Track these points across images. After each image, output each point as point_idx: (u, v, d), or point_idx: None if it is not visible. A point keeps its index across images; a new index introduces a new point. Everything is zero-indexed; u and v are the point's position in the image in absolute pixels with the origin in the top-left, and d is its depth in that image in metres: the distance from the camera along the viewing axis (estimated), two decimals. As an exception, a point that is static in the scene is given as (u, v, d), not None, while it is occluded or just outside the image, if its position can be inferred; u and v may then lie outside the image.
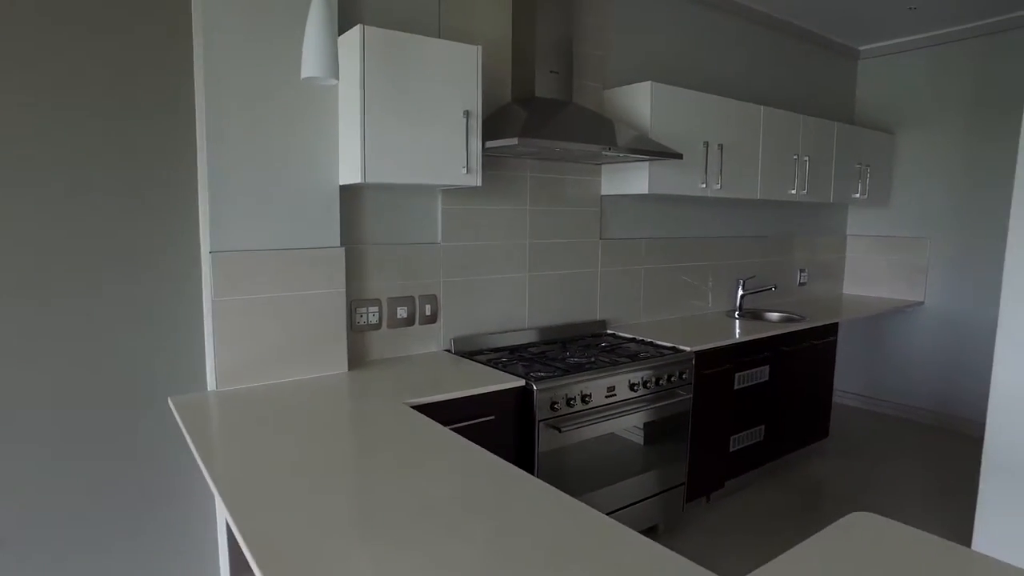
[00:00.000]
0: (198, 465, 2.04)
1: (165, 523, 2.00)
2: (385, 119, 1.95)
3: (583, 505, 1.17)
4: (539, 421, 2.11)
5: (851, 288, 4.64)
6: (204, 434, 1.57)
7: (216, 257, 1.86)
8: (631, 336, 2.91)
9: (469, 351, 2.54)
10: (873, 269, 4.52)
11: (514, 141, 2.08)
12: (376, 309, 2.33)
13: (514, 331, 2.72)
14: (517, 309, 2.76)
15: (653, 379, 2.47)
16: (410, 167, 2.03)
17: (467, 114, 2.13)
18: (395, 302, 2.38)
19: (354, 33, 1.90)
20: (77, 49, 1.71)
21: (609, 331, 3.05)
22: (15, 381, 1.70)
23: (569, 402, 2.19)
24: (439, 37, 2.29)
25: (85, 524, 1.85)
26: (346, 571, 0.96)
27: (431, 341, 2.51)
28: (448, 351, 2.54)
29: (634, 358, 2.47)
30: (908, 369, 4.33)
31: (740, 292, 3.68)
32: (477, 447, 1.47)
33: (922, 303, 4.26)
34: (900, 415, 4.38)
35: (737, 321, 3.38)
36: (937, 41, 4.04)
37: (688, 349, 2.65)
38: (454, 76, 2.09)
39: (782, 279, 4.11)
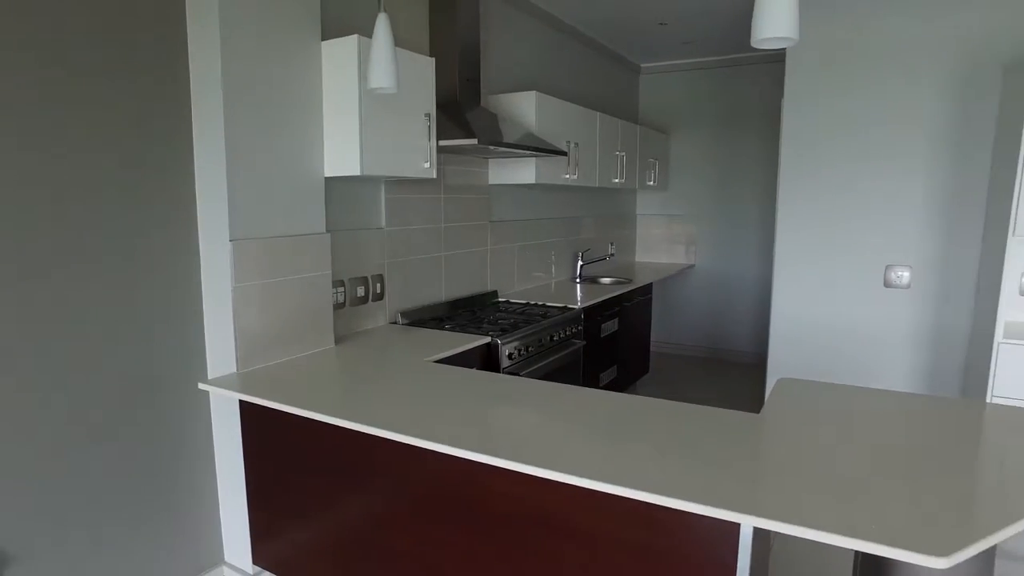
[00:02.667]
0: (199, 449, 2.18)
1: (172, 506, 2.10)
2: (374, 120, 2.28)
3: (603, 392, 1.79)
4: (503, 369, 2.64)
5: (642, 257, 5.89)
6: (282, 393, 1.81)
7: (236, 245, 2.02)
8: (524, 301, 3.55)
9: (413, 322, 2.94)
10: (657, 240, 5.81)
11: (474, 141, 2.56)
12: (342, 289, 2.61)
13: (436, 303, 3.17)
14: (437, 283, 3.21)
15: (561, 331, 3.15)
16: (392, 162, 2.38)
17: (428, 116, 2.53)
18: (354, 282, 2.68)
19: (351, 42, 2.19)
20: (78, 64, 1.75)
21: (501, 299, 3.65)
22: (17, 375, 1.70)
23: (520, 352, 2.76)
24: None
25: (96, 507, 1.91)
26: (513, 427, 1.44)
27: (380, 316, 2.84)
28: (395, 323, 2.90)
29: (544, 316, 3.12)
30: (686, 316, 5.71)
31: (580, 263, 4.55)
32: (518, 377, 1.98)
33: (693, 266, 5.65)
34: (685, 353, 5.75)
35: (580, 285, 4.24)
36: (698, 66, 5.38)
37: (576, 307, 3.39)
38: (416, 83, 2.48)
39: (600, 251, 5.11)
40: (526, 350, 2.82)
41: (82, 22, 1.74)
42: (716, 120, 5.41)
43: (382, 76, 1.85)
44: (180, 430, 2.09)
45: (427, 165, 2.55)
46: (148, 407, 1.99)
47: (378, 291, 2.81)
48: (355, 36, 2.18)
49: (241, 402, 2.10)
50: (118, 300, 1.87)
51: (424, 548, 1.76)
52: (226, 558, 2.30)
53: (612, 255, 4.98)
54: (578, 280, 4.50)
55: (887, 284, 3.40)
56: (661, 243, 5.81)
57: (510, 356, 2.70)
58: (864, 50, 3.27)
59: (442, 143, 2.63)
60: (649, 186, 5.16)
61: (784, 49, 3.61)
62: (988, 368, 2.76)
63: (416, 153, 2.50)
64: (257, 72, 2.04)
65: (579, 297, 3.69)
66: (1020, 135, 2.59)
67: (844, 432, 1.57)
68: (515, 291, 3.90)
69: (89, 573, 1.88)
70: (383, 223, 2.83)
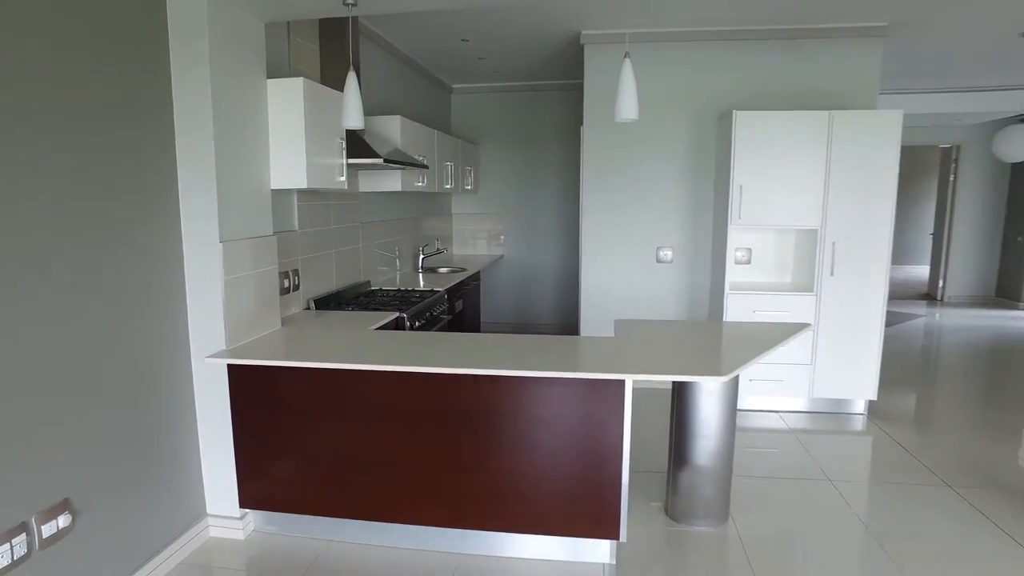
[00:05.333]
0: (182, 419, 2.72)
1: (158, 470, 2.62)
2: (313, 143, 2.98)
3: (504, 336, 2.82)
4: (410, 336, 3.49)
5: (460, 250, 6.96)
6: (271, 355, 2.49)
7: (225, 245, 2.60)
8: (394, 288, 4.38)
9: (321, 307, 3.62)
10: (472, 236, 6.93)
11: (379, 160, 3.35)
12: (279, 281, 3.21)
13: (331, 292, 3.87)
14: (331, 275, 3.90)
15: (436, 308, 4.06)
16: (324, 176, 3.09)
17: (342, 140, 3.27)
18: (281, 276, 3.30)
19: (298, 83, 2.86)
20: (69, 93, 2.25)
21: (374, 287, 4.42)
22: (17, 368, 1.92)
23: (417, 323, 3.62)
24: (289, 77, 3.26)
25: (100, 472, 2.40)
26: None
27: (297, 303, 3.48)
28: (308, 309, 3.55)
29: (421, 298, 4.00)
30: (501, 297, 6.93)
31: (422, 256, 5.46)
32: (448, 333, 2.89)
33: (503, 256, 6.89)
34: (503, 326, 6.96)
35: (424, 275, 5.16)
36: (504, 89, 6.60)
37: (441, 290, 4.32)
38: (334, 114, 3.20)
39: (427, 247, 6.06)
40: (419, 322, 3.69)
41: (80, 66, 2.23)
42: (520, 133, 6.71)
43: (354, 119, 2.61)
44: (165, 404, 2.55)
45: (342, 178, 3.29)
46: (136, 385, 2.38)
47: (296, 283, 3.44)
48: (301, 79, 2.86)
49: (230, 368, 2.66)
50: (112, 294, 2.26)
51: (398, 451, 2.59)
52: (208, 511, 2.82)
53: (446, 249, 5.96)
54: (421, 271, 5.40)
55: (658, 261, 4.91)
56: (475, 238, 6.95)
57: (411, 326, 3.55)
58: (642, 93, 4.69)
59: (351, 161, 3.37)
60: (467, 190, 6.24)
61: (581, 81, 4.92)
62: (721, 308, 4.34)
63: (335, 169, 3.23)
64: (230, 106, 2.62)
65: (432, 284, 4.62)
66: (728, 159, 4.18)
67: (659, 336, 2.79)
68: (380, 280, 4.69)
69: (78, 534, 2.15)
70: (296, 226, 3.47)
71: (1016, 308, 8.41)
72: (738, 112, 4.12)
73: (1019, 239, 8.45)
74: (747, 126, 4.12)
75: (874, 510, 3.10)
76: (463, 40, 4.76)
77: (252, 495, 2.78)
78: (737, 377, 2.84)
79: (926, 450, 3.80)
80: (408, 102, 5.41)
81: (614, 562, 2.61)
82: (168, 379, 2.56)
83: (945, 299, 8.99)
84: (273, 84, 2.88)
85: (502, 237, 6.92)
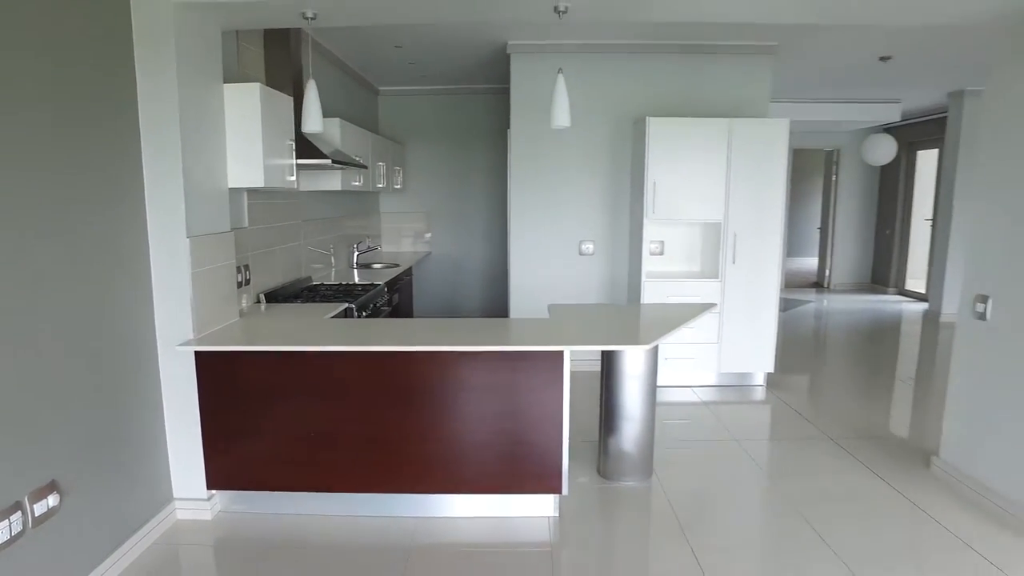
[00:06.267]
0: (148, 407, 2.88)
1: (125, 457, 2.77)
2: (268, 145, 3.18)
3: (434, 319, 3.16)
4: (360, 326, 3.74)
5: (388, 247, 7.18)
6: (239, 341, 2.71)
7: (192, 240, 2.78)
8: (337, 282, 4.59)
9: (271, 300, 3.80)
10: (400, 234, 7.17)
11: (328, 161, 3.58)
12: (236, 275, 3.39)
13: (278, 286, 4.05)
14: (277, 271, 4.08)
15: (378, 300, 4.31)
16: (277, 176, 3.30)
17: (292, 142, 3.48)
18: (236, 271, 3.47)
19: (255, 88, 3.06)
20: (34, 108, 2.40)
21: (316, 282, 4.62)
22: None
23: (364, 314, 3.87)
24: (237, 82, 3.42)
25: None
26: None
27: (248, 298, 3.65)
28: (259, 303, 3.73)
29: (365, 290, 4.25)
30: (429, 291, 7.21)
31: (356, 253, 5.67)
32: (395, 319, 3.18)
33: (431, 253, 7.17)
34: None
35: (359, 271, 5.39)
36: (431, 92, 6.88)
37: (382, 283, 4.57)
38: (285, 117, 3.41)
39: (363, 244, 6.26)
40: (365, 312, 3.94)
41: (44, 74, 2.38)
42: (447, 135, 7.01)
43: (315, 123, 2.85)
44: (132, 393, 2.68)
45: (292, 178, 3.50)
46: (103, 375, 2.51)
47: (248, 278, 3.62)
48: (257, 85, 3.06)
49: (199, 355, 2.84)
50: (82, 288, 2.46)
51: (360, 426, 2.86)
52: (175, 494, 2.97)
53: (379, 246, 6.18)
54: (355, 267, 5.61)
55: (580, 253, 5.35)
56: (403, 236, 7.20)
57: (358, 316, 3.80)
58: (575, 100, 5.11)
59: (301, 161, 3.58)
60: (396, 189, 6.48)
61: (507, 86, 5.29)
62: (639, 295, 4.83)
63: (286, 170, 3.43)
64: (194, 109, 2.80)
65: (368, 279, 4.86)
66: (643, 160, 4.67)
67: (588, 316, 3.20)
68: (321, 276, 4.87)
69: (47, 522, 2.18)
70: (247, 223, 3.64)
71: (886, 292, 9.54)
72: (651, 119, 4.62)
73: (888, 232, 9.59)
74: (659, 131, 4.63)
75: (773, 462, 3.64)
76: (397, 46, 5.02)
77: (220, 476, 2.96)
78: (656, 349, 3.29)
79: (815, 412, 4.43)
80: (341, 104, 5.60)
81: (557, 514, 2.99)
82: (134, 369, 2.71)
83: (831, 286, 10.05)
84: (230, 88, 3.07)
85: (428, 235, 7.20)
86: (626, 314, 3.42)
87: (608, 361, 3.34)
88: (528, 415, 2.85)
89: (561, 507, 3.04)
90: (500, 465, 2.89)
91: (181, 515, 2.98)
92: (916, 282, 9.13)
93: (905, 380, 5.31)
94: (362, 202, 6.37)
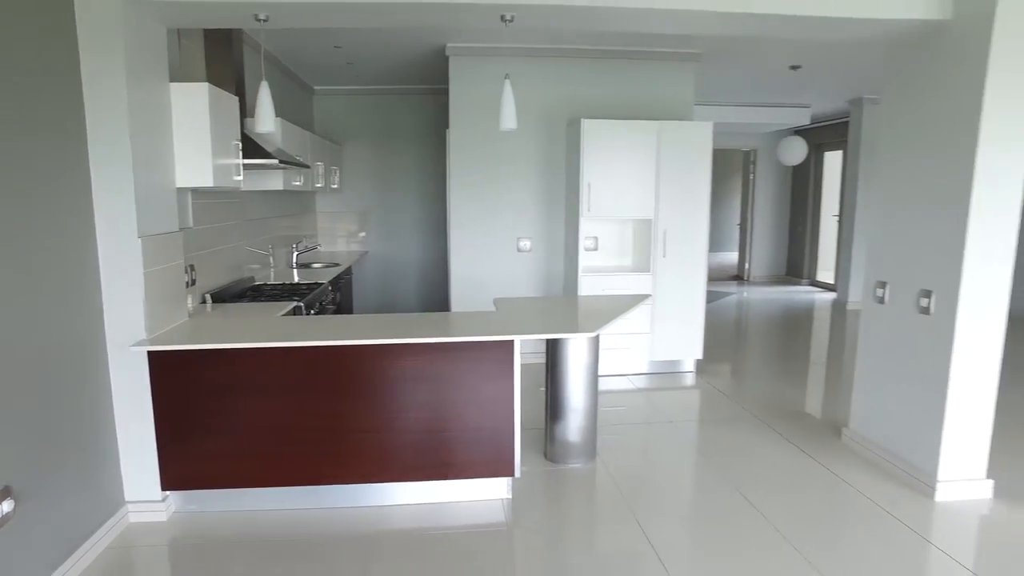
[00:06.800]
0: (98, 409, 2.87)
1: (75, 461, 2.75)
2: (217, 145, 3.20)
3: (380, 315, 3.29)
4: (309, 323, 3.78)
5: (325, 247, 7.16)
6: (195, 339, 2.75)
7: (143, 240, 2.78)
8: (279, 282, 4.59)
9: (218, 300, 3.79)
10: (337, 233, 7.16)
11: (275, 161, 3.61)
12: (184, 275, 3.37)
13: (222, 286, 4.03)
14: (221, 271, 4.06)
15: (324, 299, 4.36)
16: (224, 176, 3.31)
17: (238, 142, 3.49)
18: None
19: (203, 88, 3.07)
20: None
21: (258, 282, 4.60)
22: None
23: (312, 312, 3.91)
24: (178, 81, 3.40)
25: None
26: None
27: (194, 298, 3.63)
28: (204, 303, 3.71)
29: (311, 289, 4.28)
30: (368, 289, 7.24)
31: (296, 253, 5.65)
32: (348, 315, 3.27)
33: (368, 252, 7.20)
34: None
35: (298, 270, 5.39)
36: (367, 92, 6.90)
37: (326, 282, 4.61)
38: (231, 117, 3.42)
39: (303, 243, 6.24)
40: (312, 311, 3.98)
41: None
42: (383, 134, 7.05)
43: (268, 123, 2.90)
44: (81, 396, 2.65)
45: (239, 177, 3.51)
46: (51, 379, 2.50)
47: (193, 278, 3.60)
48: (206, 84, 3.07)
49: (152, 355, 2.83)
50: (27, 291, 2.43)
51: (319, 420, 2.94)
52: (127, 498, 2.95)
53: (320, 245, 6.17)
54: (295, 267, 5.60)
55: (519, 250, 5.54)
56: (340, 235, 7.19)
57: (307, 313, 3.85)
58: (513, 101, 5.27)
59: (248, 161, 3.59)
60: (333, 189, 6.48)
61: (444, 86, 5.41)
62: (576, 288, 5.07)
63: (233, 169, 3.45)
64: (142, 107, 2.79)
65: (308, 279, 4.89)
66: (578, 160, 4.91)
67: (533, 308, 3.39)
68: (258, 277, 4.85)
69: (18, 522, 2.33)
70: (191, 223, 3.62)
71: (800, 283, 10.23)
72: (585, 120, 4.85)
73: (800, 228, 10.29)
74: (593, 132, 4.87)
75: (705, 439, 3.94)
76: (336, 47, 5.05)
77: (175, 476, 2.96)
78: (598, 338, 3.51)
79: (740, 394, 4.79)
80: (277, 104, 5.55)
81: (510, 496, 3.16)
82: (83, 371, 2.67)
83: (750, 279, 10.68)
84: (178, 88, 3.06)
85: (363, 234, 7.24)
86: (569, 305, 3.62)
87: (553, 351, 3.53)
88: (482, 402, 3.01)
89: (514, 489, 3.21)
90: (456, 452, 3.03)
91: (134, 518, 2.96)
92: (826, 273, 9.84)
93: (817, 362, 5.79)
94: (299, 202, 6.33)
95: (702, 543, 2.77)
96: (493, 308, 3.60)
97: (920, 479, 3.19)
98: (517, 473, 3.09)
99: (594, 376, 3.56)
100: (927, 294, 3.13)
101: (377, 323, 3.12)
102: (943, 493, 3.09)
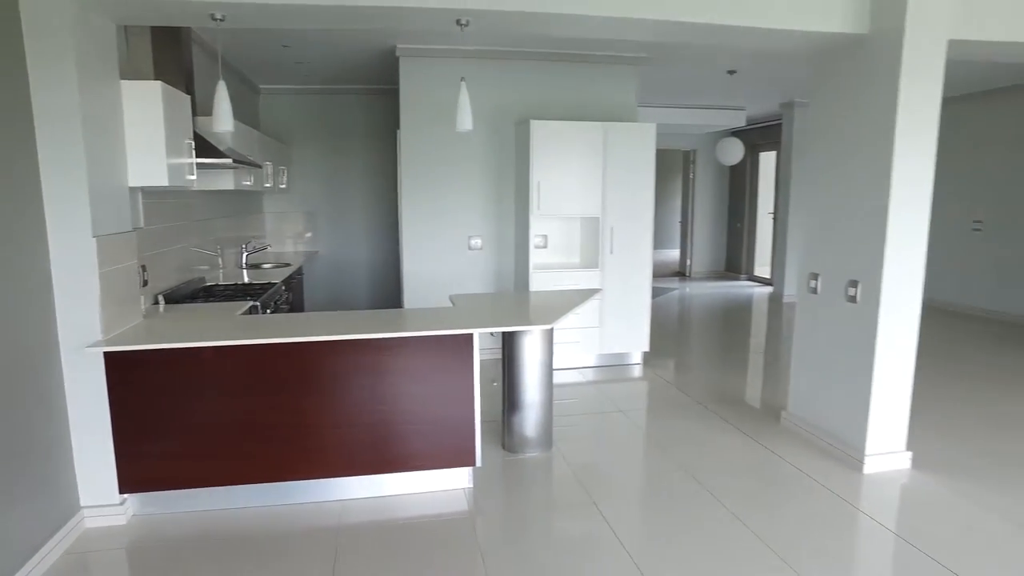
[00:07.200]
0: (51, 415, 2.84)
1: (28, 468, 2.71)
2: (171, 143, 3.18)
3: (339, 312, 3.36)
4: (266, 323, 3.78)
5: (274, 247, 7.08)
6: (153, 339, 2.75)
7: (98, 240, 2.75)
8: (229, 282, 4.56)
9: (171, 301, 3.75)
10: (286, 234, 7.09)
11: (229, 160, 3.60)
12: (138, 275, 3.33)
13: (173, 287, 3.98)
14: (172, 272, 4.01)
15: (278, 298, 4.35)
16: (178, 175, 3.29)
17: (191, 141, 3.47)
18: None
19: (156, 86, 3.05)
20: None
21: (209, 283, 4.55)
22: None
23: (267, 310, 3.91)
24: (127, 79, 3.35)
25: None
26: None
27: (144, 299, 3.59)
28: (156, 304, 3.67)
29: (264, 289, 4.27)
30: (318, 290, 7.20)
31: (245, 254, 5.60)
32: (308, 313, 3.31)
33: (317, 252, 7.16)
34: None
35: (248, 271, 5.34)
36: (314, 91, 6.86)
37: (279, 281, 4.60)
38: (183, 116, 3.40)
39: (252, 244, 6.17)
40: (268, 310, 3.99)
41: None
42: (332, 134, 7.03)
43: (226, 122, 2.91)
44: (33, 400, 2.60)
45: (192, 177, 3.49)
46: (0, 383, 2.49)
47: (145, 279, 3.55)
48: (159, 83, 3.06)
49: (108, 356, 2.80)
50: None
51: (282, 416, 2.97)
52: (83, 503, 2.90)
53: (270, 245, 6.11)
54: (244, 268, 5.54)
55: (470, 248, 5.64)
56: (289, 236, 7.13)
57: (264, 312, 3.85)
58: (454, 102, 5.34)
59: (203, 160, 3.57)
60: (281, 189, 6.43)
61: (394, 87, 5.45)
62: (527, 284, 5.20)
63: (186, 169, 3.43)
64: (93, 105, 2.76)
65: (259, 279, 4.86)
66: (527, 160, 5.04)
67: (489, 304, 3.50)
68: (209, 277, 4.79)
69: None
70: (142, 223, 3.57)
71: (739, 278, 10.69)
72: (534, 122, 5.00)
73: (738, 225, 10.74)
74: (542, 133, 5.02)
75: (654, 427, 4.14)
76: (284, 46, 5.03)
77: (133, 478, 2.93)
78: (552, 332, 3.65)
79: (685, 383, 5.02)
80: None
81: (472, 485, 3.26)
82: (35, 374, 2.61)
83: (691, 275, 11.08)
84: (131, 86, 3.03)
85: (309, 234, 7.22)
86: (524, 300, 3.75)
87: (510, 346, 3.65)
88: (443, 394, 3.10)
89: (475, 479, 3.31)
90: (419, 443, 3.11)
91: (91, 523, 2.92)
92: (763, 268, 10.31)
93: (756, 352, 6.11)
94: (246, 203, 6.25)
95: (658, 523, 2.94)
96: (449, 305, 3.69)
97: (850, 454, 3.46)
98: (479, 462, 3.19)
99: (549, 368, 3.69)
100: (854, 284, 3.39)
101: (338, 320, 3.17)
102: (870, 465, 3.36)
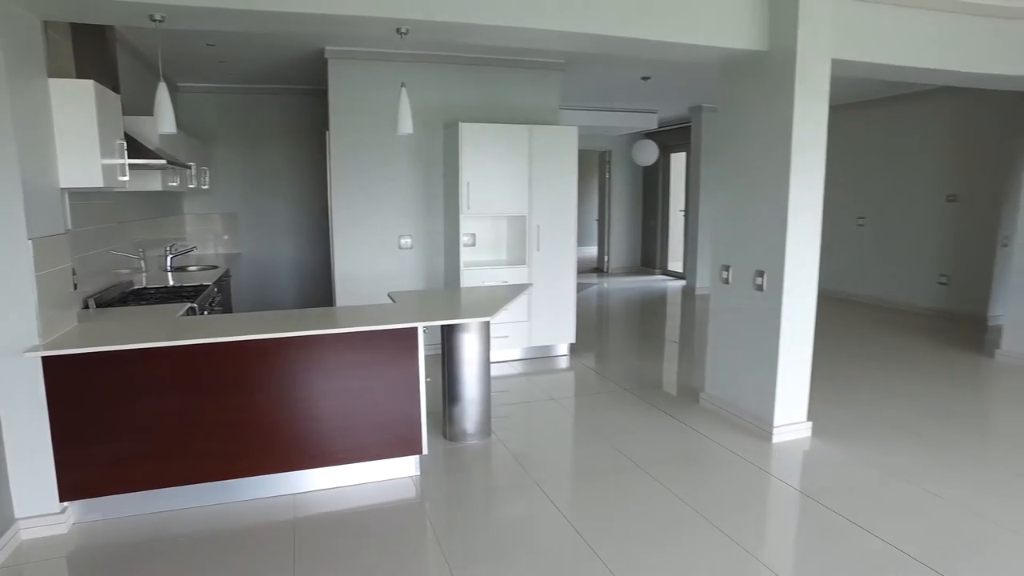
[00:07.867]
0: None
1: None
2: (104, 144, 3.13)
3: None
4: (203, 324, 3.77)
5: (198, 249, 6.89)
6: (93, 342, 2.75)
7: (34, 242, 2.70)
8: (159, 285, 4.47)
9: (101, 304, 3.66)
10: (208, 235, 6.92)
11: (163, 162, 3.57)
12: (71, 278, 3.24)
13: (102, 290, 3.88)
14: (100, 275, 3.91)
15: (212, 299, 4.32)
16: (111, 176, 3.24)
17: (122, 142, 3.42)
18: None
19: (88, 85, 3.00)
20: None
21: (137, 287, 4.44)
22: None
23: (204, 311, 3.89)
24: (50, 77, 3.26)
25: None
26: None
27: (77, 303, 3.50)
28: (87, 308, 3.58)
29: (197, 292, 4.23)
30: (244, 292, 7.07)
31: (170, 256, 5.46)
32: (251, 312, 3.35)
33: (240, 254, 7.03)
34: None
35: (173, 274, 5.23)
36: (237, 91, 6.73)
37: (211, 283, 4.55)
38: (114, 113, 3.34)
39: (163, 247, 6.00)
40: (205, 310, 3.96)
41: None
42: (255, 134, 6.92)
43: (168, 124, 2.91)
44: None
45: (124, 178, 3.44)
46: None
47: (75, 282, 3.46)
48: (91, 82, 3.01)
49: (47, 361, 2.75)
50: None
51: (230, 414, 3.01)
52: (17, 514, 2.82)
53: (196, 247, 5.96)
54: (169, 270, 5.40)
55: (400, 247, 5.74)
56: (210, 237, 6.96)
57: (201, 313, 3.83)
58: (383, 104, 5.39)
59: (136, 161, 3.51)
60: (203, 189, 6.28)
61: (321, 87, 5.46)
62: (458, 281, 5.36)
63: (118, 169, 3.37)
64: (22, 104, 2.70)
65: (189, 281, 4.79)
66: (456, 161, 5.20)
67: (427, 300, 3.65)
68: (142, 282, 4.67)
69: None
70: (70, 225, 3.48)
71: (654, 273, 11.27)
72: (463, 124, 5.16)
73: (652, 222, 11.32)
74: (470, 135, 5.19)
75: (584, 411, 4.41)
76: (209, 44, 4.96)
77: (74, 485, 2.88)
78: (489, 325, 3.84)
79: (609, 371, 5.34)
80: (139, 99, 5.32)
81: (419, 472, 3.40)
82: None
83: (609, 271, 11.57)
84: (61, 84, 2.95)
85: (228, 236, 7.08)
86: (461, 296, 3.92)
87: (449, 340, 3.81)
88: (390, 386, 3.22)
89: (421, 468, 3.46)
90: (367, 435, 3.22)
91: (27, 535, 2.84)
92: (676, 263, 10.90)
93: (673, 341, 6.54)
94: (166, 204, 6.07)
95: (596, 498, 3.19)
96: (388, 301, 3.80)
97: (761, 427, 3.85)
98: (424, 450, 3.34)
99: (487, 359, 3.88)
100: (761, 274, 3.78)
101: (283, 317, 3.22)
102: (778, 436, 3.76)
